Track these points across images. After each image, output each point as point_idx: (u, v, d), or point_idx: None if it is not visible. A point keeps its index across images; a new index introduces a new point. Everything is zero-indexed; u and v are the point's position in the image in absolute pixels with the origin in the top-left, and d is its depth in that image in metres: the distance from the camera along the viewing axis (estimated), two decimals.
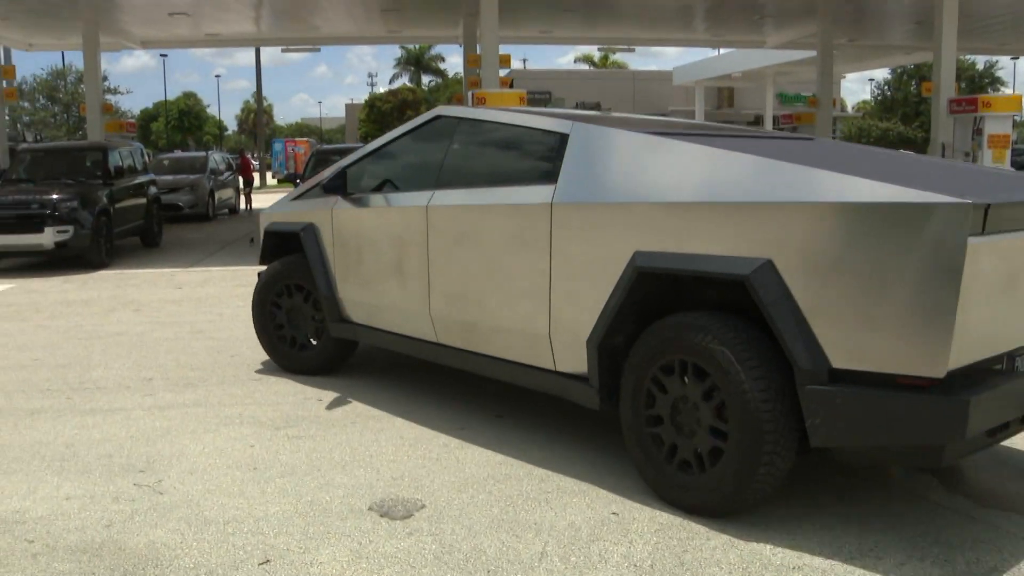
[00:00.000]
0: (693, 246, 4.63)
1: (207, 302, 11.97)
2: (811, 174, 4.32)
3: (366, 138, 77.27)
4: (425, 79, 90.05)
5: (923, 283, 3.86)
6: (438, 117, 6.69)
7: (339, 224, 7.17)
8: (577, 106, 28.15)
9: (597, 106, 27.89)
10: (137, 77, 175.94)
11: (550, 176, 5.45)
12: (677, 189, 4.79)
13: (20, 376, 8.07)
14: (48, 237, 15.15)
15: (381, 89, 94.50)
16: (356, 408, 6.76)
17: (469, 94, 20.66)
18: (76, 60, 67.58)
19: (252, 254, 16.95)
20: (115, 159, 17.90)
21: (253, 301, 8.06)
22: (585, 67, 78.05)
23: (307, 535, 4.55)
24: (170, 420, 6.58)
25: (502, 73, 21.52)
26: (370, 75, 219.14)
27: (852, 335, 4.09)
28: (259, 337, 8.09)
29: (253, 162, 38.12)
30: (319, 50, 37.57)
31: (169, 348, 9.12)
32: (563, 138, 5.51)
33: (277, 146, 68.58)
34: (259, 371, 7.99)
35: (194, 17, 26.76)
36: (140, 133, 44.39)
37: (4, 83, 20.99)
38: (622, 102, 61.24)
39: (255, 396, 7.18)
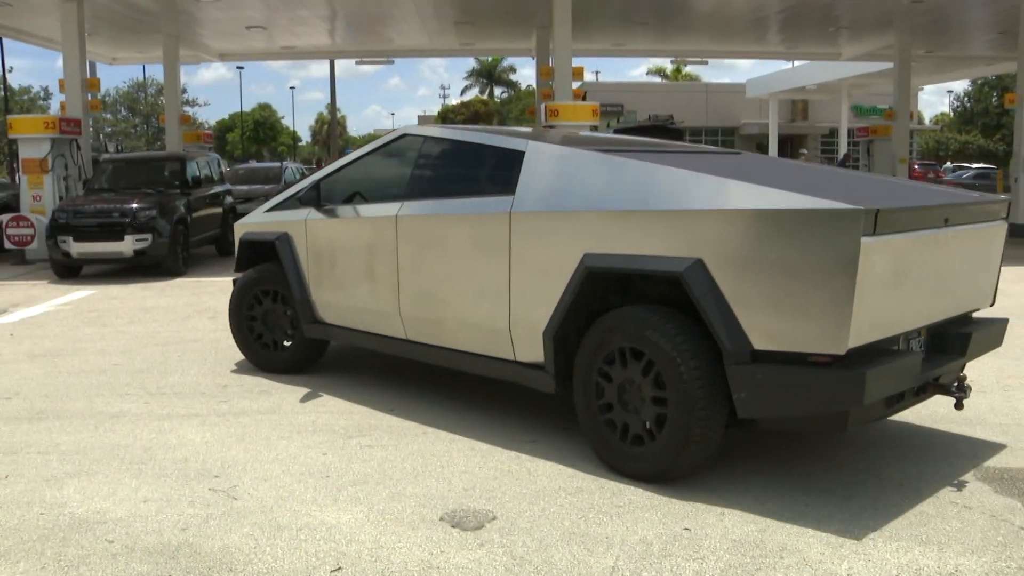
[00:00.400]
0: (635, 248, 5.36)
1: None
2: (733, 185, 5.08)
3: None
4: (497, 91, 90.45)
5: (825, 276, 4.61)
6: (404, 135, 7.37)
7: (313, 233, 7.69)
8: (649, 119, 28.08)
9: (670, 119, 27.73)
10: (214, 89, 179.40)
11: (509, 188, 6.12)
12: (620, 199, 5.52)
13: (100, 380, 8.27)
14: (128, 245, 15.51)
15: (453, 101, 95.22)
16: (427, 419, 6.79)
17: (542, 106, 20.69)
18: (156, 73, 69.18)
19: None
20: (193, 169, 18.25)
21: (230, 306, 8.49)
22: (657, 79, 77.73)
23: (379, 544, 4.58)
24: (244, 427, 6.68)
25: (575, 85, 21.50)
26: (442, 87, 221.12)
27: (769, 321, 4.83)
28: (235, 338, 8.55)
29: None
30: (393, 62, 37.97)
31: (243, 356, 9.25)
32: (520, 155, 6.21)
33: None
34: (331, 380, 8.07)
35: (270, 30, 27.19)
36: (216, 143, 45.19)
37: (89, 95, 21.48)
38: (695, 115, 60.83)
39: (327, 405, 7.25)
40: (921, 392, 5.44)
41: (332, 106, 60.00)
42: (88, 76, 21.88)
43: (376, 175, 7.56)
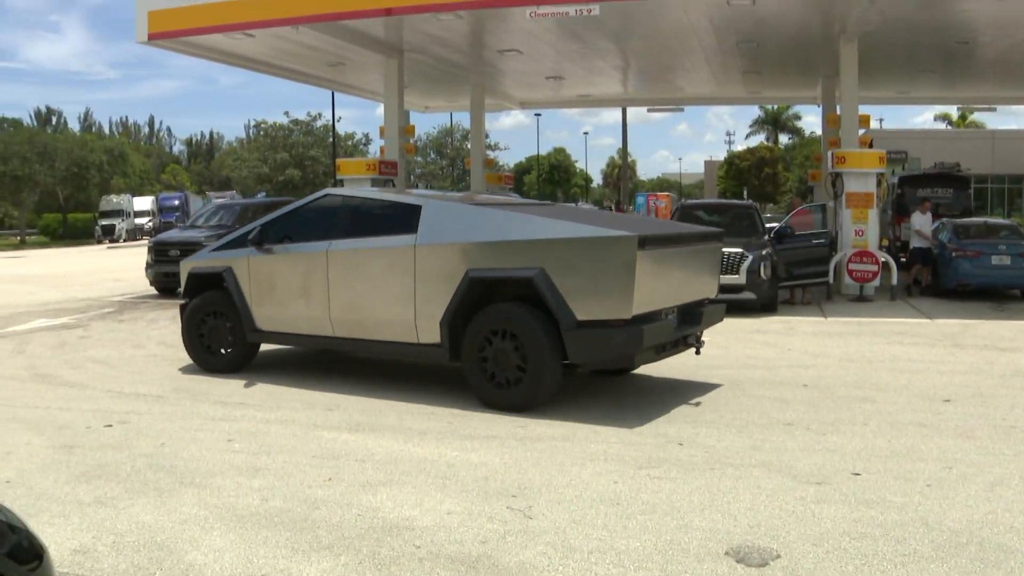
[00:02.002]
0: (501, 264, 8.51)
1: None
2: (560, 223, 8.59)
3: (724, 194, 77.00)
4: (782, 138, 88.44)
5: (617, 274, 7.93)
6: (327, 195, 10.34)
7: (255, 265, 10.14)
8: (935, 166, 26.66)
9: (956, 166, 26.19)
10: (513, 134, 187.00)
11: (412, 229, 9.02)
12: (490, 234, 8.65)
13: (408, 400, 8.91)
14: None
15: (738, 147, 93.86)
16: (714, 455, 6.84)
17: (828, 154, 20.23)
18: (461, 119, 72.60)
19: None
20: None
21: (182, 325, 10.77)
22: (942, 126, 73.21)
23: (665, 572, 4.69)
24: (540, 451, 6.99)
25: (860, 133, 20.88)
26: (728, 133, 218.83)
27: (586, 303, 8.03)
28: (187, 349, 10.76)
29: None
30: (682, 110, 38.24)
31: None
32: (419, 208, 9.17)
33: (640, 199, 69.97)
34: (623, 413, 8.28)
35: (568, 80, 28.12)
36: (514, 185, 46.96)
37: (405, 140, 23.08)
38: (980, 161, 56.60)
39: (620, 435, 7.45)
40: (676, 345, 9.00)
41: (624, 151, 61.08)
42: (404, 123, 23.46)
43: (306, 223, 10.05)
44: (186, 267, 10.90)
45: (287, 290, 9.93)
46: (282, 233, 10.09)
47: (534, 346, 8.12)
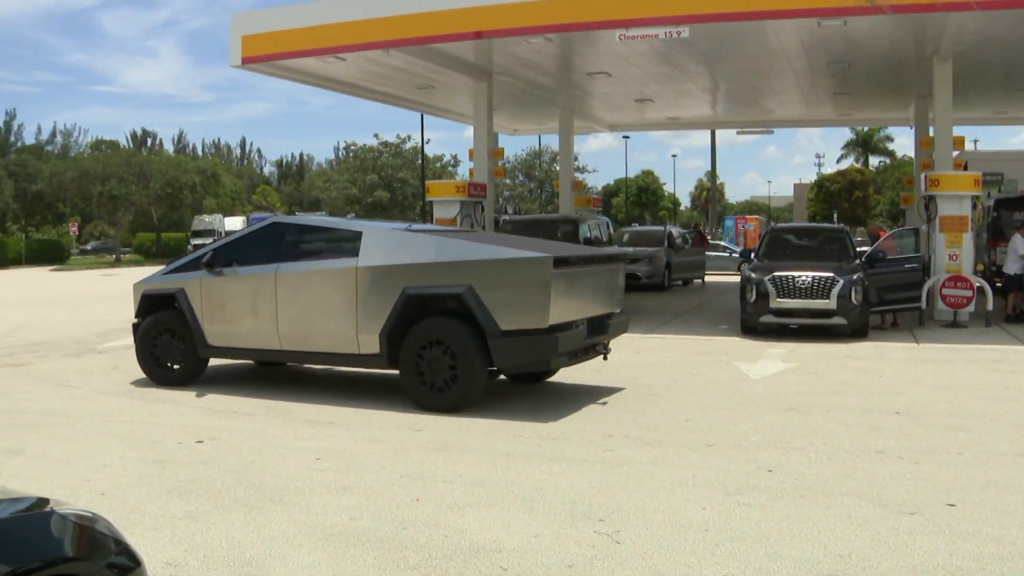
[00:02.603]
0: (435, 282, 9.55)
1: (664, 367, 12.43)
2: (486, 247, 9.67)
3: (814, 217, 75.87)
4: (873, 160, 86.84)
5: (536, 290, 9.02)
6: (275, 223, 11.14)
7: (206, 287, 10.85)
8: None
9: None
10: (601, 156, 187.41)
11: (355, 253, 10.00)
12: (424, 256, 9.69)
13: (497, 421, 8.96)
14: None
15: (828, 169, 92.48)
16: (804, 482, 6.73)
17: (921, 177, 19.80)
18: (550, 142, 72.85)
19: (707, 324, 17.29)
20: (584, 231, 19.13)
21: (136, 342, 11.33)
22: None
23: None
24: (627, 475, 6.95)
25: (954, 154, 20.40)
26: (817, 156, 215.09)
27: (509, 315, 9.09)
28: (140, 364, 11.31)
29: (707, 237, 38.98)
30: (772, 132, 37.78)
31: (628, 408, 9.60)
32: (360, 234, 10.15)
33: (728, 222, 69.68)
34: (710, 440, 8.19)
35: (657, 102, 27.99)
36: (602, 207, 46.93)
37: (494, 163, 23.24)
38: None
39: (708, 461, 7.37)
40: (587, 352, 10.10)
41: (712, 174, 60.51)
42: (493, 146, 23.62)
43: (256, 248, 10.80)
44: (139, 289, 11.63)
45: (238, 308, 10.71)
46: (232, 257, 10.87)
47: (464, 354, 9.24)
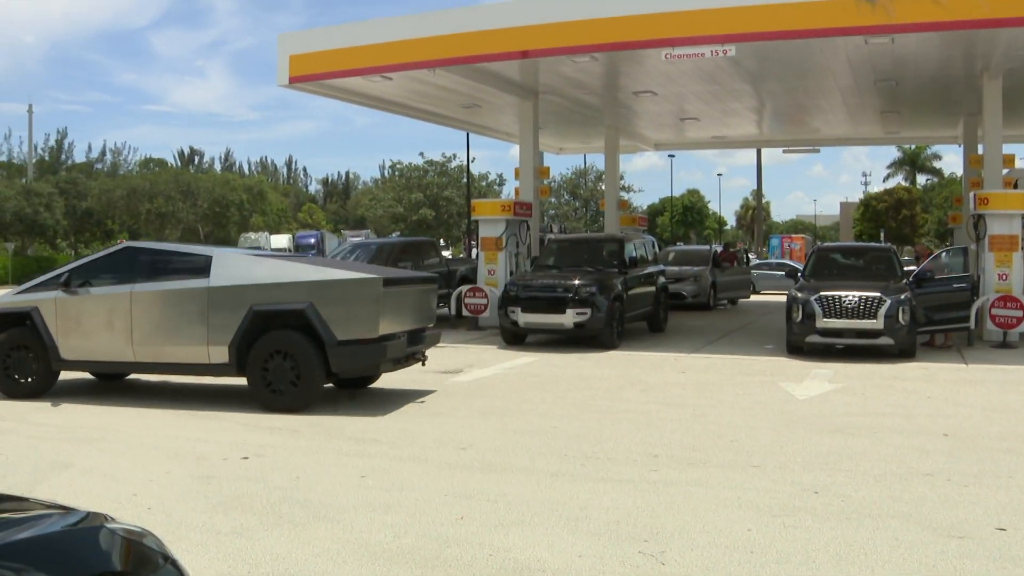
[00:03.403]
0: (279, 300, 10.64)
1: (709, 387, 12.35)
2: (325, 269, 11.20)
3: (860, 236, 75.19)
4: (920, 178, 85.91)
5: (368, 305, 10.46)
6: (127, 248, 12.09)
7: (62, 305, 11.48)
8: None
9: None
10: (646, 175, 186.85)
11: (206, 274, 10.93)
12: (270, 277, 10.82)
13: (542, 441, 8.92)
14: (569, 318, 16.54)
15: (874, 188, 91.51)
16: (851, 504, 6.65)
17: (970, 195, 19.54)
18: (595, 161, 72.87)
19: (753, 344, 17.17)
20: (630, 250, 19.08)
21: None
22: None
23: None
24: (672, 496, 6.91)
25: (1004, 173, 20.11)
26: (864, 174, 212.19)
27: (344, 327, 10.39)
28: None
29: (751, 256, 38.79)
30: (818, 151, 37.49)
31: (673, 428, 9.55)
32: (210, 257, 11.11)
33: (774, 241, 69.31)
34: (755, 461, 8.12)
35: (703, 122, 27.93)
36: (648, 226, 46.84)
37: (539, 182, 23.27)
38: None
39: (753, 482, 7.31)
40: (408, 359, 11.41)
41: (758, 193, 60.14)
42: (539, 165, 23.67)
43: (111, 269, 11.56)
44: None
45: (93, 325, 11.40)
46: (86, 278, 11.58)
47: (306, 361, 10.48)
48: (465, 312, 20.19)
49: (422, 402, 11.28)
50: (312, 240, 65.48)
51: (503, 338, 17.69)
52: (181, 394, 11.86)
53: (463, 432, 9.36)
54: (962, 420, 10.06)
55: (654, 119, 27.89)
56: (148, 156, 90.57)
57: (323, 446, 8.78)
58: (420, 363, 11.97)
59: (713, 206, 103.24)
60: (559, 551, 5.64)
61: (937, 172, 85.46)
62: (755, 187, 58.69)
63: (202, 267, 11.05)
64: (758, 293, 34.21)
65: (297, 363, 10.49)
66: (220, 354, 10.78)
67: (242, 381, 10.97)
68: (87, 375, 11.77)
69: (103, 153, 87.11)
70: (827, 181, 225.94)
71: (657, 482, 7.32)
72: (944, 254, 20.37)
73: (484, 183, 68.83)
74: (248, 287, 10.75)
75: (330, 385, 11.35)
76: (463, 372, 13.84)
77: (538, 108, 22.72)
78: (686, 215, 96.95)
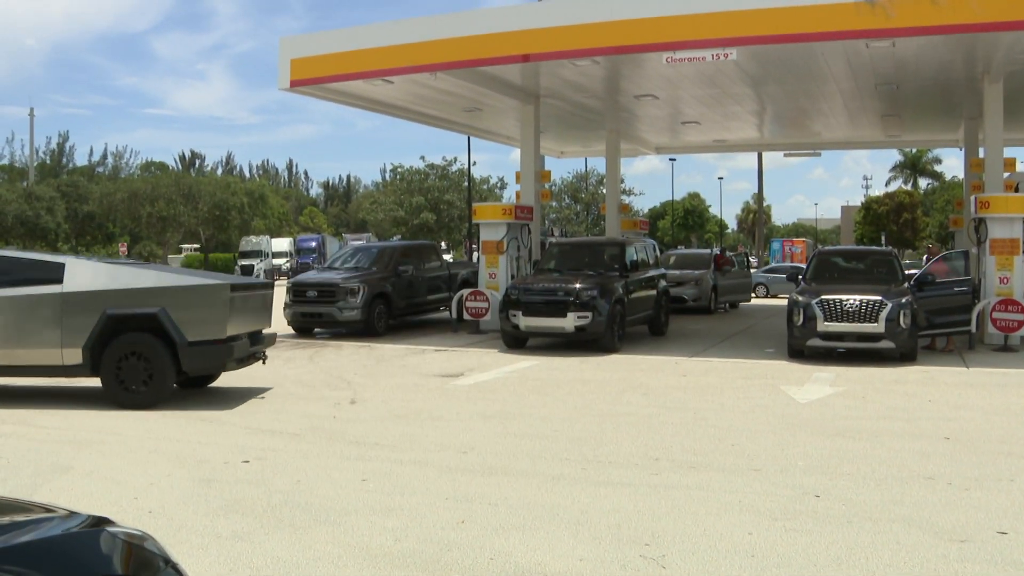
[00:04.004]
0: (133, 304, 11.11)
1: (710, 391, 12.35)
2: (176, 276, 12.14)
3: (861, 240, 75.17)
4: (922, 182, 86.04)
5: (216, 308, 11.18)
6: None
7: None
8: None
9: None
10: (647, 179, 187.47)
11: (60, 280, 11.28)
12: (122, 283, 11.26)
13: (543, 445, 8.92)
14: (570, 322, 16.54)
15: (875, 191, 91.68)
16: (852, 508, 6.64)
17: (971, 199, 19.55)
18: (596, 164, 72.95)
19: (754, 347, 17.17)
20: (631, 254, 19.07)
21: None
22: None
23: None
24: (674, 500, 6.90)
25: (1005, 176, 20.13)
26: (865, 178, 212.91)
27: (195, 328, 11.03)
28: None
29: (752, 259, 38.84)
30: (819, 154, 37.53)
31: (674, 432, 9.54)
32: (63, 265, 11.48)
33: (775, 245, 69.41)
34: (756, 465, 8.11)
35: (703, 125, 27.96)
36: (649, 230, 46.81)
37: (541, 185, 23.28)
38: None
39: (754, 486, 7.31)
40: (250, 359, 12.04)
41: (759, 196, 60.09)
42: (540, 168, 23.67)
43: None
44: None
45: None
46: None
47: (158, 361, 11.07)
48: (466, 316, 20.21)
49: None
50: (313, 244, 65.67)
51: (504, 342, 17.67)
52: (182, 397, 11.86)
53: (464, 435, 9.36)
54: (963, 424, 10.05)
55: (655, 123, 27.93)
56: (149, 159, 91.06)
57: (324, 450, 8.78)
58: (261, 362, 12.70)
59: (714, 210, 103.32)
60: (560, 555, 5.63)
61: (938, 176, 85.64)
62: (756, 190, 58.68)
63: (56, 273, 11.38)
64: (773, 296, 34.34)
65: (150, 363, 11.08)
66: (74, 356, 11.18)
67: (242, 381, 10.96)
68: (88, 378, 11.74)
69: (104, 156, 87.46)
70: (828, 184, 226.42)
71: (658, 486, 7.32)
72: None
73: (485, 187, 68.88)
74: (102, 292, 11.17)
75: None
76: (464, 376, 13.84)
77: (539, 112, 22.73)
78: (687, 219, 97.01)
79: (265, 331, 12.92)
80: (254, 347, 12.17)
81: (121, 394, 11.14)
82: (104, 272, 11.53)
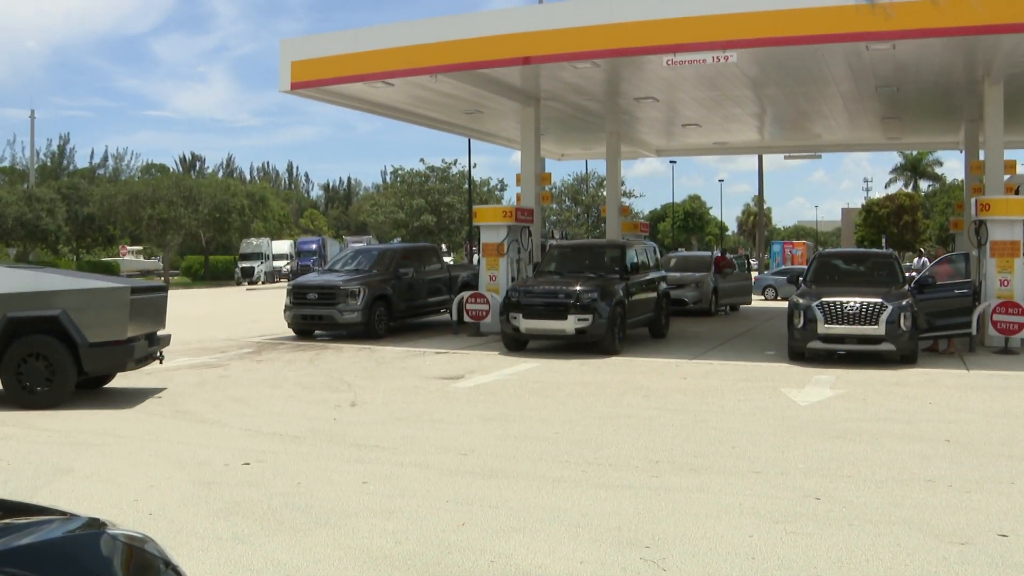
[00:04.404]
0: (32, 308, 11.22)
1: (711, 393, 12.34)
2: (78, 279, 12.11)
3: (861, 242, 75.23)
4: (922, 184, 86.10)
5: (118, 310, 11.45)
6: None
7: None
8: None
9: None
10: (647, 181, 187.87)
11: None
12: (22, 287, 11.35)
13: (543, 447, 8.91)
14: (570, 324, 16.54)
15: (876, 194, 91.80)
16: (852, 510, 6.64)
17: (972, 201, 19.56)
18: (596, 167, 72.90)
19: (754, 350, 17.16)
20: (631, 256, 19.06)
21: None
22: None
23: None
24: (674, 502, 6.90)
25: (1005, 179, 20.14)
26: (865, 180, 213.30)
27: (96, 330, 11.23)
28: None
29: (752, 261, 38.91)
30: (820, 157, 37.57)
31: (675, 434, 9.54)
32: None
33: (775, 247, 69.46)
34: (757, 468, 8.11)
35: (704, 128, 27.99)
36: (649, 232, 46.85)
37: (541, 188, 23.29)
38: None
39: (754, 488, 7.30)
40: (148, 359, 12.30)
41: (760, 198, 60.02)
42: (540, 171, 23.68)
43: None
44: None
45: None
46: None
47: (60, 363, 11.26)
48: (467, 318, 20.20)
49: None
50: (313, 246, 65.72)
51: (504, 344, 17.66)
52: (182, 399, 11.86)
53: (465, 438, 9.35)
54: (964, 426, 10.05)
55: (655, 125, 27.95)
56: (150, 162, 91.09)
57: (324, 452, 8.77)
58: (158, 361, 12.98)
59: (714, 212, 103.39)
60: (561, 557, 5.63)
61: (939, 178, 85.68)
62: (756, 193, 58.57)
63: None
64: (784, 299, 34.39)
65: (51, 364, 11.27)
66: None
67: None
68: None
69: (105, 158, 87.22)
70: (828, 187, 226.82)
71: (658, 488, 7.31)
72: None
73: (486, 189, 68.86)
74: (3, 296, 11.25)
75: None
76: (464, 378, 13.83)
77: (539, 114, 22.75)
78: (687, 221, 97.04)
79: (160, 332, 13.06)
80: (151, 348, 12.40)
81: (22, 395, 11.29)
82: (6, 276, 11.62)
